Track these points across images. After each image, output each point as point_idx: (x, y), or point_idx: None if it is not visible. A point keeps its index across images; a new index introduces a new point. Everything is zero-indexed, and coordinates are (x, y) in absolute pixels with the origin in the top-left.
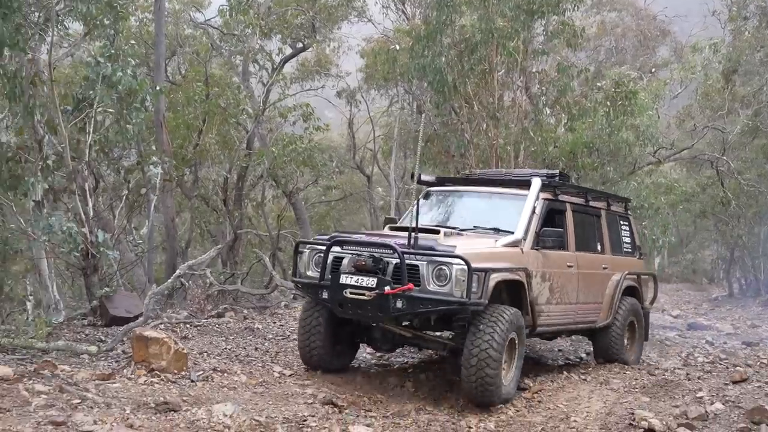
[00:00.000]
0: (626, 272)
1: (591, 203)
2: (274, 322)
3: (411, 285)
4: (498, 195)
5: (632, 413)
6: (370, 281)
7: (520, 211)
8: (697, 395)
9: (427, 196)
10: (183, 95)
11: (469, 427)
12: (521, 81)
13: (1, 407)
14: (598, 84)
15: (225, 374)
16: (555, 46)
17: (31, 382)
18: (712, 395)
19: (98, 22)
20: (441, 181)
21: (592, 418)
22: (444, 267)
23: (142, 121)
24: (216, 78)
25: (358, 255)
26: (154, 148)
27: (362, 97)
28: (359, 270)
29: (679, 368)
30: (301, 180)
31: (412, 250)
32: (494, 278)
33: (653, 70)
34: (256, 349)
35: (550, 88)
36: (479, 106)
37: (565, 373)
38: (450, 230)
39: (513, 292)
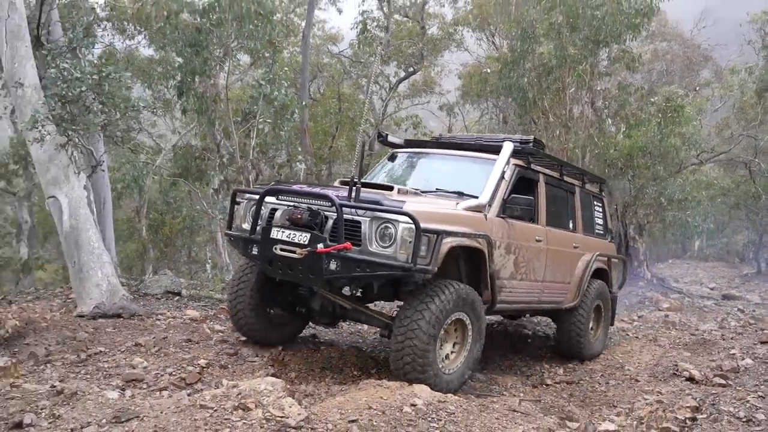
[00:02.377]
0: (597, 253)
1: (566, 178)
2: None
3: (348, 244)
4: (466, 158)
5: (676, 365)
6: (303, 237)
7: (488, 175)
8: (731, 352)
9: (392, 157)
10: (321, 109)
11: (542, 371)
12: (588, 97)
13: (191, 340)
14: (651, 100)
15: None
16: (616, 69)
17: (211, 323)
18: (743, 352)
19: (261, 55)
20: (409, 144)
21: (643, 368)
22: (389, 225)
23: (291, 129)
24: (346, 95)
25: (295, 207)
26: (299, 149)
27: (459, 110)
28: (294, 224)
29: (715, 330)
30: None
31: (352, 203)
32: (447, 243)
33: (697, 88)
34: None
35: (612, 102)
36: (553, 117)
37: (619, 332)
38: (406, 189)
39: (473, 263)
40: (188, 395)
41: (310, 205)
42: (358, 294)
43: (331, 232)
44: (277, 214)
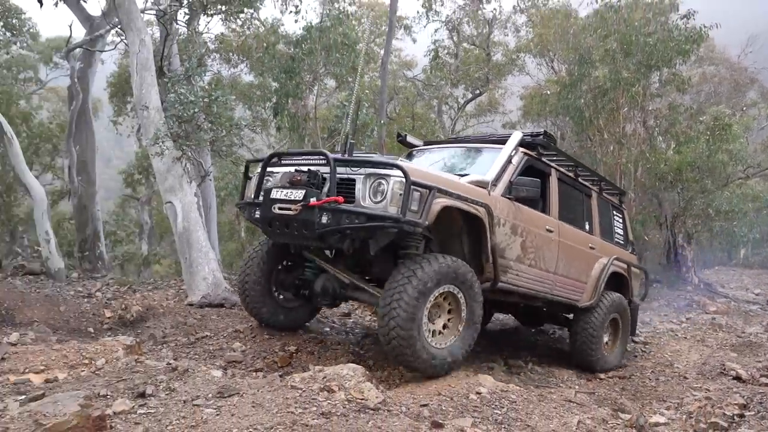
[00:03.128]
0: (614, 257)
1: (581, 180)
2: None
3: (340, 198)
4: (476, 148)
5: (723, 364)
6: (298, 194)
7: (495, 160)
8: None
9: (409, 155)
10: (397, 127)
11: None
12: (640, 116)
13: None
14: (700, 119)
15: None
16: (667, 91)
17: None
18: None
19: (345, 79)
20: (428, 144)
21: (691, 366)
22: (382, 181)
23: (370, 144)
24: (419, 115)
25: (297, 170)
26: None
27: (520, 128)
28: (294, 184)
29: (761, 333)
30: None
31: (345, 157)
32: (440, 202)
33: (744, 108)
34: None
35: (663, 121)
36: (608, 135)
37: (668, 332)
38: (409, 162)
39: (474, 237)
40: (280, 377)
41: (310, 167)
42: (352, 251)
43: (329, 190)
44: (278, 176)
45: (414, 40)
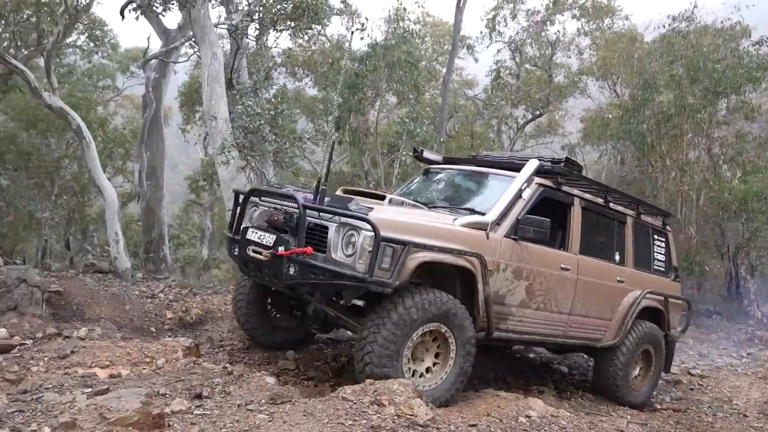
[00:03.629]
0: (647, 290)
1: (612, 206)
2: None
3: (309, 249)
4: (491, 175)
5: None
6: (270, 239)
7: (503, 193)
8: None
9: (426, 173)
10: (455, 145)
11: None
12: (705, 143)
13: (334, 339)
14: None
15: None
16: (734, 118)
17: None
18: None
19: (406, 96)
20: (447, 162)
21: (752, 404)
22: (354, 233)
23: None
24: (478, 134)
25: (275, 209)
26: None
27: (579, 150)
28: (271, 226)
29: None
30: None
31: (315, 206)
32: (417, 257)
33: None
34: None
35: (729, 149)
36: (670, 161)
37: (727, 367)
38: (401, 200)
39: (468, 285)
40: (331, 387)
41: (287, 208)
42: (355, 304)
43: (306, 235)
44: (256, 214)
45: (476, 60)
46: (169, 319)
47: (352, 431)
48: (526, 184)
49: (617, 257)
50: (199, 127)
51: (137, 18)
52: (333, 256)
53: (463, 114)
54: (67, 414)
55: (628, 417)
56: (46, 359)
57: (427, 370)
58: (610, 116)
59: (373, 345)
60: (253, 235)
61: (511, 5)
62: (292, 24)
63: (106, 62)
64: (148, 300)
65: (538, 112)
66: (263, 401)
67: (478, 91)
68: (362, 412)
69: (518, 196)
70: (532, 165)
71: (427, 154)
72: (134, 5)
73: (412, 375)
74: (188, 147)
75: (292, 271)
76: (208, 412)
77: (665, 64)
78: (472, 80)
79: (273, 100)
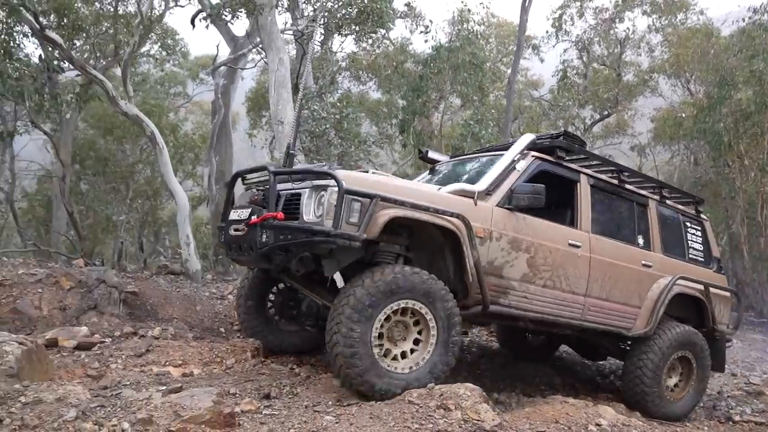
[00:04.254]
0: (678, 276)
1: (630, 187)
2: None
3: (280, 214)
4: (488, 157)
5: None
6: (246, 213)
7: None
8: None
9: (432, 170)
10: None
11: (728, 407)
12: None
13: None
14: None
15: None
16: None
17: None
18: None
19: (470, 98)
20: (454, 158)
21: None
22: (323, 193)
23: None
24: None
25: (257, 189)
26: None
27: (650, 151)
28: (252, 203)
29: None
30: None
31: (283, 169)
32: (388, 213)
33: None
34: None
35: None
36: (749, 161)
37: None
38: (385, 174)
39: (459, 254)
40: None
41: (267, 185)
42: (303, 271)
43: (283, 206)
44: (237, 196)
45: (542, 60)
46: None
47: None
48: (519, 156)
49: (641, 241)
50: (265, 132)
51: (207, 26)
52: (305, 218)
53: (529, 115)
54: (144, 411)
55: (705, 428)
56: (123, 357)
57: (403, 355)
58: (683, 115)
59: (339, 326)
60: (234, 215)
61: (579, 3)
62: (357, 28)
63: (177, 70)
64: (218, 301)
65: (606, 112)
66: (330, 403)
67: (543, 92)
68: (428, 416)
69: (511, 167)
70: (525, 138)
71: (432, 155)
72: (204, 14)
73: (385, 355)
74: (255, 151)
75: (264, 237)
76: (276, 413)
77: (745, 59)
78: (537, 81)
79: (338, 104)
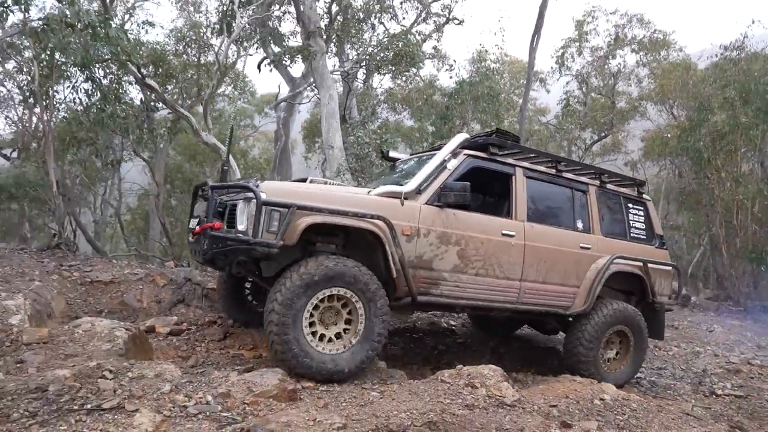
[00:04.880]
0: (615, 255)
1: (567, 175)
2: None
3: (217, 224)
4: (429, 156)
5: None
6: (195, 222)
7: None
8: None
9: (392, 167)
10: None
11: (711, 383)
12: (758, 157)
13: (432, 332)
14: None
15: None
16: None
17: (447, 319)
18: None
19: (488, 124)
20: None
21: None
22: (248, 204)
23: None
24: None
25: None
26: None
27: (641, 166)
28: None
29: None
30: None
31: (219, 184)
32: (306, 220)
33: None
34: None
35: None
36: (725, 173)
37: None
38: (324, 180)
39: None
40: (431, 370)
41: (221, 197)
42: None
43: (228, 215)
44: (196, 206)
45: (548, 91)
46: None
47: (450, 409)
48: (450, 155)
49: (580, 224)
50: (318, 155)
51: (270, 70)
52: (238, 227)
53: (538, 137)
54: (224, 386)
55: (693, 401)
56: (206, 341)
57: (338, 336)
58: (669, 136)
59: (272, 314)
60: (191, 224)
61: (578, 44)
62: (393, 68)
63: (247, 106)
64: None
65: (603, 134)
66: (376, 381)
67: (550, 117)
68: (458, 392)
69: (442, 167)
70: (457, 138)
71: (392, 154)
72: (268, 60)
73: (320, 340)
74: (310, 171)
75: (206, 245)
76: (331, 389)
77: (718, 88)
78: (544, 108)
79: (378, 131)
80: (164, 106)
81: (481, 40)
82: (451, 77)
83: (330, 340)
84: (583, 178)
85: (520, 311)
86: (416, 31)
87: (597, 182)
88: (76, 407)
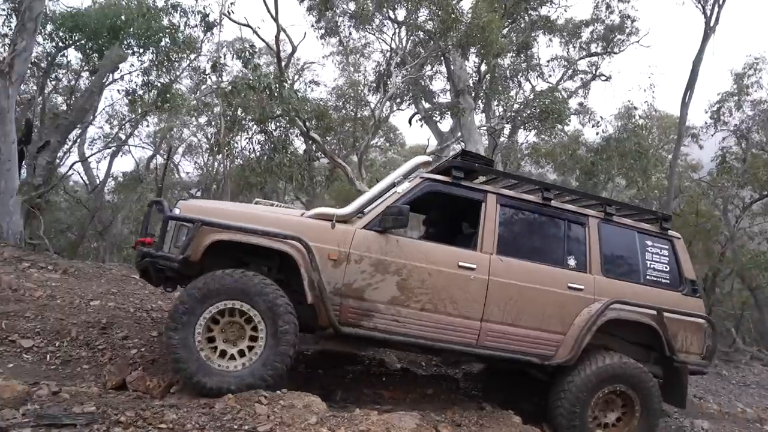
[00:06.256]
0: (613, 300)
1: (556, 204)
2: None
3: (148, 239)
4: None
5: None
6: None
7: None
8: None
9: None
10: (679, 221)
11: None
12: None
13: None
14: None
15: None
16: None
17: None
18: None
19: (634, 180)
20: None
21: None
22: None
23: None
24: (703, 212)
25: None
26: None
27: None
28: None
29: None
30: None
31: (158, 199)
32: (212, 237)
33: None
34: None
35: None
36: None
37: None
38: (271, 202)
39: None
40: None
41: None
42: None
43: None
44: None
45: (700, 147)
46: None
47: None
48: (401, 178)
49: (572, 262)
50: None
51: (421, 126)
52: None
53: (688, 194)
54: (364, 424)
55: None
56: (347, 379)
57: (241, 353)
58: None
59: (166, 331)
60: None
61: (736, 98)
62: (539, 124)
63: (396, 156)
64: None
65: (765, 192)
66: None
67: (702, 174)
68: None
69: (390, 190)
70: (413, 160)
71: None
72: (419, 117)
73: (221, 356)
74: None
75: (140, 258)
76: None
77: None
78: (696, 164)
79: None
80: (323, 156)
81: (629, 97)
82: (597, 133)
83: (232, 357)
84: (580, 209)
85: (479, 356)
86: (562, 88)
87: (600, 214)
88: (235, 427)
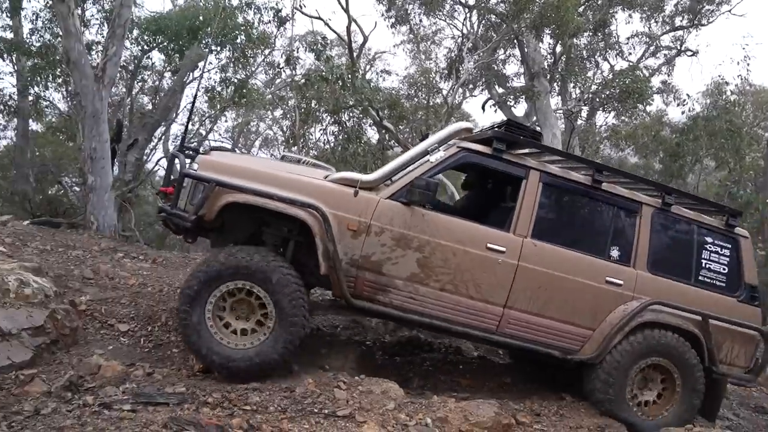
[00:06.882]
0: (653, 300)
1: (608, 188)
2: None
3: (169, 188)
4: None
5: None
6: None
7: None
8: None
9: None
10: None
11: None
12: None
13: None
14: None
15: None
16: None
17: None
18: None
19: (725, 161)
20: None
21: None
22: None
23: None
24: None
25: None
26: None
27: None
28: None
29: None
30: None
31: (175, 152)
32: (226, 198)
33: None
34: None
35: None
36: None
37: None
38: (297, 157)
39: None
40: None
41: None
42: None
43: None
44: None
45: None
46: None
47: None
48: (437, 146)
49: (615, 253)
50: None
51: (495, 111)
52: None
53: None
54: (442, 411)
55: None
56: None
57: (253, 331)
58: None
59: (179, 303)
60: None
61: None
62: (619, 105)
63: None
64: None
65: None
66: (592, 427)
67: None
68: None
69: (422, 158)
70: (452, 127)
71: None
72: (492, 102)
73: (233, 333)
74: None
75: (159, 210)
76: (545, 428)
77: None
78: None
79: None
80: (397, 145)
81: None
82: (683, 112)
83: (243, 333)
84: (631, 194)
85: (497, 343)
86: (644, 66)
87: (657, 202)
88: (316, 410)
